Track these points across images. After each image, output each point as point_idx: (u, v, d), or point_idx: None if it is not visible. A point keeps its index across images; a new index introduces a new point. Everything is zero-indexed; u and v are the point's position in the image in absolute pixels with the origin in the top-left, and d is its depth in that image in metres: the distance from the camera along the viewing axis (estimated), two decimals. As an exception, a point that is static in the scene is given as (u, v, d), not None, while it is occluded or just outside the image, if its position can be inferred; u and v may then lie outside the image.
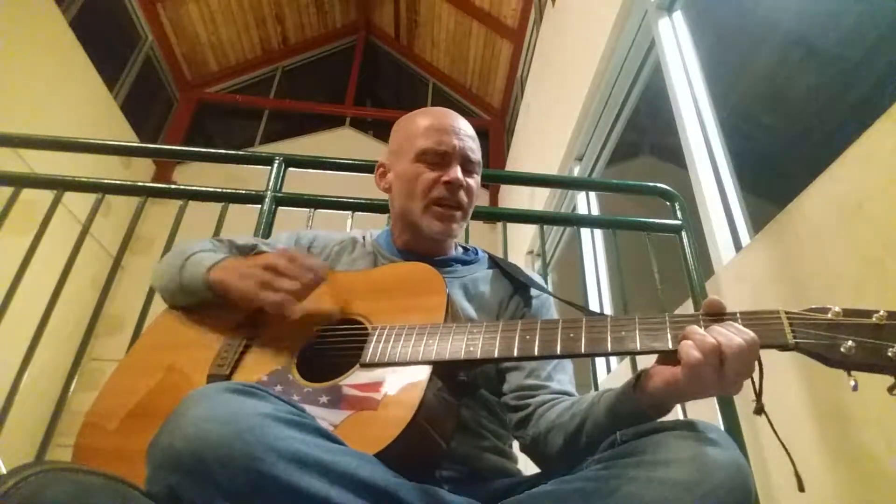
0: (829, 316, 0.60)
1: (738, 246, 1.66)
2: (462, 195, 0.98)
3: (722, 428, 1.05)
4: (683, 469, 0.57)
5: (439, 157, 0.98)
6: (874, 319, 0.57)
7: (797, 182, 1.28)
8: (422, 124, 1.01)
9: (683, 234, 1.55)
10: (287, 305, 0.78)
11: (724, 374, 0.60)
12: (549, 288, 1.08)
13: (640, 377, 0.71)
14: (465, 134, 1.01)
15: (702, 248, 1.68)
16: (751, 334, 0.60)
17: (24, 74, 3.80)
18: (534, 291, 1.03)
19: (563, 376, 0.93)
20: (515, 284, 1.03)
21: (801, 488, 0.61)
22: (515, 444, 0.95)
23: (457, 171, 0.97)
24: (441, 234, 0.98)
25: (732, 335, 0.60)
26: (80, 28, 4.35)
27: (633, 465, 0.60)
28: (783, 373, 1.22)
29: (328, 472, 0.55)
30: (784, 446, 0.62)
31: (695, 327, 0.63)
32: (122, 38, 5.37)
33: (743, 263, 1.51)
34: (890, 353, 0.55)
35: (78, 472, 0.52)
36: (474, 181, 1.02)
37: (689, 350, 0.61)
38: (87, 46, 4.40)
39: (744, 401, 1.29)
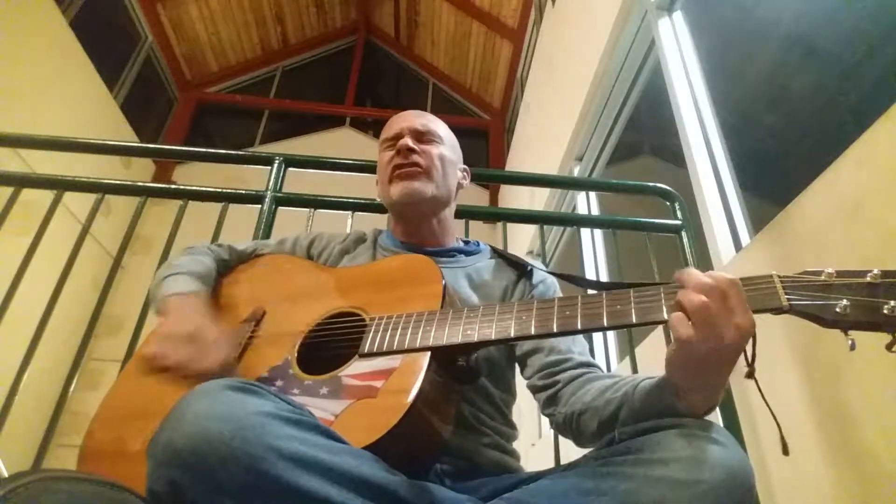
0: (823, 277, 0.59)
1: (738, 246, 1.66)
2: (416, 157, 1.03)
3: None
4: (682, 467, 0.56)
5: (392, 140, 1.07)
6: (868, 278, 0.56)
7: (797, 182, 1.28)
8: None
9: (683, 234, 1.55)
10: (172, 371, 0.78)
11: (730, 309, 0.57)
12: (550, 288, 1.08)
13: None
14: (413, 116, 1.10)
15: (702, 248, 1.68)
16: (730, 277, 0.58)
17: (24, 74, 3.79)
18: (537, 276, 1.04)
19: (581, 348, 0.93)
20: (519, 271, 1.04)
21: (786, 452, 0.61)
22: (516, 442, 0.95)
23: (405, 141, 1.04)
24: (406, 194, 1.01)
25: (718, 274, 0.59)
26: (80, 28, 4.35)
27: (630, 463, 0.59)
28: (783, 372, 1.22)
29: (328, 470, 0.55)
30: (769, 408, 0.61)
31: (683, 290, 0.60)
32: (122, 38, 5.37)
33: (743, 263, 1.51)
34: (886, 310, 0.54)
35: (71, 481, 0.51)
36: (434, 147, 1.06)
37: (689, 296, 0.58)
38: (87, 46, 4.40)
39: (743, 400, 1.29)
